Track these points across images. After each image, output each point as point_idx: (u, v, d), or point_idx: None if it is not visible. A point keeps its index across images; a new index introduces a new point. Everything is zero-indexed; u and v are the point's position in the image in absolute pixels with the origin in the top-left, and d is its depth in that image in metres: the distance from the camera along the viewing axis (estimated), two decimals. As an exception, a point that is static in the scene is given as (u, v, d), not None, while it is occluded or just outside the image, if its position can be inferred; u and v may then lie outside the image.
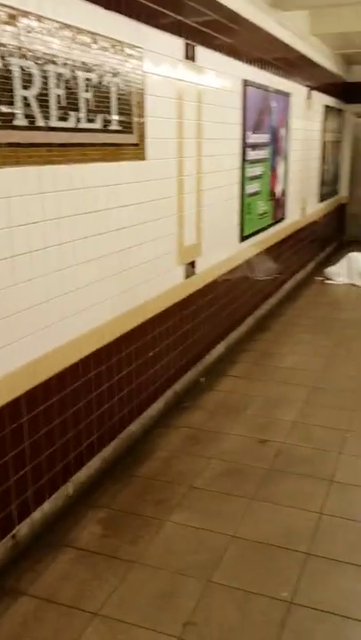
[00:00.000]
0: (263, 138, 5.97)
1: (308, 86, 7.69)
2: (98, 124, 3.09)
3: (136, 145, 3.53)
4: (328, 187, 9.83)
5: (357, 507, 3.23)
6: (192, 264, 4.57)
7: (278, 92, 6.34)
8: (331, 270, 8.49)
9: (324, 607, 2.52)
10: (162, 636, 2.38)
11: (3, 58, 2.39)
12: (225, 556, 2.84)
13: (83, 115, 2.95)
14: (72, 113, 2.86)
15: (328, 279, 8.40)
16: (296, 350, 5.75)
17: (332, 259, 9.40)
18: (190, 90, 4.20)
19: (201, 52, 4.32)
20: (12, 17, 2.42)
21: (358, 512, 3.18)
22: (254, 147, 5.71)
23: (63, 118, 2.80)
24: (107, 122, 3.17)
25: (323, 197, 9.42)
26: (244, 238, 5.73)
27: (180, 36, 3.97)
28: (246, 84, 5.29)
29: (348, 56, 9.60)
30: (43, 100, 2.64)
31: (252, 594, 2.61)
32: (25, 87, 2.53)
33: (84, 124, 2.96)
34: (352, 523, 3.08)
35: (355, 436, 4.00)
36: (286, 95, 6.68)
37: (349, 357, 5.51)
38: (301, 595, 2.59)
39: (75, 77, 2.85)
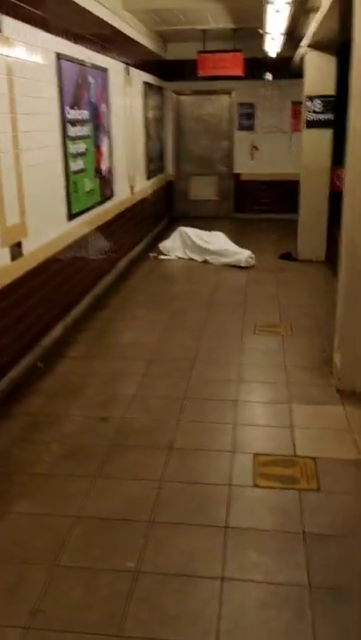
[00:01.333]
0: (83, 114, 5.87)
1: (125, 63, 7.69)
2: None
3: None
4: (155, 164, 9.98)
5: (195, 470, 3.36)
6: (18, 245, 4.40)
7: (95, 67, 6.26)
8: (163, 246, 8.67)
9: (169, 570, 2.60)
10: (7, 629, 2.31)
11: None
12: (70, 537, 2.81)
13: None
14: None
15: (161, 254, 8.57)
16: (133, 326, 5.81)
17: (164, 234, 9.59)
18: (-1, 62, 3.99)
19: (8, 22, 4.11)
20: None
21: (196, 475, 3.31)
22: (75, 123, 5.60)
23: None
24: None
25: (150, 174, 9.54)
26: (72, 217, 5.63)
27: (-18, 3, 3.74)
28: (60, 57, 5.15)
29: (164, 34, 9.74)
30: None
31: (98, 570, 2.61)
32: None
33: None
34: (191, 486, 3.20)
35: (191, 403, 4.14)
36: (104, 71, 6.62)
37: (184, 328, 5.69)
38: (147, 562, 2.65)
39: None
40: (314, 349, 5.08)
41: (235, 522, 2.91)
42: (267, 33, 7.18)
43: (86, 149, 6.00)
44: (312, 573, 2.56)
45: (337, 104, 7.29)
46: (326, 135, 7.53)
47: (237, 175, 11.37)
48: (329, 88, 7.43)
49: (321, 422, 3.88)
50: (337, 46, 7.08)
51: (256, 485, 3.18)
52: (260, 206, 11.36)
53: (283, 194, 10.89)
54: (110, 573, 2.59)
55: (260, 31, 7.33)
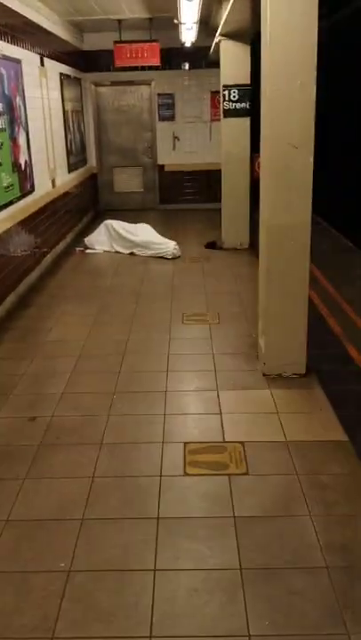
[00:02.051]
0: (-3, 107, 5.70)
1: (40, 54, 7.51)
2: None
3: None
4: (76, 157, 9.83)
5: (126, 463, 3.36)
6: None
7: (7, 58, 6.08)
8: (89, 239, 8.57)
9: (101, 566, 2.59)
10: None
11: None
12: (0, 543, 2.75)
13: None
14: None
15: (88, 248, 8.47)
16: (61, 322, 5.73)
17: (89, 228, 9.48)
18: None
19: None
20: None
21: (127, 468, 3.31)
22: (-13, 117, 5.43)
23: None
24: None
25: (72, 168, 9.39)
26: (-10, 214, 5.47)
27: None
28: (-32, 49, 4.97)
29: (79, 24, 9.57)
30: None
31: (30, 573, 2.57)
32: None
33: None
34: (123, 479, 3.20)
35: (120, 397, 4.13)
36: (17, 62, 6.44)
37: (112, 322, 5.65)
38: (79, 561, 2.63)
39: None
40: (241, 336, 5.17)
41: (166, 512, 2.93)
42: (181, 22, 7.18)
43: (1, 143, 5.83)
44: (243, 556, 2.62)
45: (254, 93, 7.38)
46: (244, 124, 7.62)
47: (161, 166, 11.35)
48: (245, 77, 7.51)
49: (248, 407, 3.96)
50: (251, 35, 7.17)
51: (186, 474, 3.21)
52: (184, 197, 11.40)
53: (206, 183, 10.97)
54: (43, 575, 2.56)
55: (175, 21, 7.33)
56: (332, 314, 5.64)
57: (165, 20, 8.30)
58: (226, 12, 6.22)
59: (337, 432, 3.61)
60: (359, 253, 8.33)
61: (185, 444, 3.50)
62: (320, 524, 2.80)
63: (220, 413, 3.86)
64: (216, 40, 7.78)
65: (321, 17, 3.76)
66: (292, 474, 3.20)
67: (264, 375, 4.36)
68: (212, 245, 8.34)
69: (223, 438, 3.56)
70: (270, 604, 2.37)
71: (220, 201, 8.22)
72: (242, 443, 3.50)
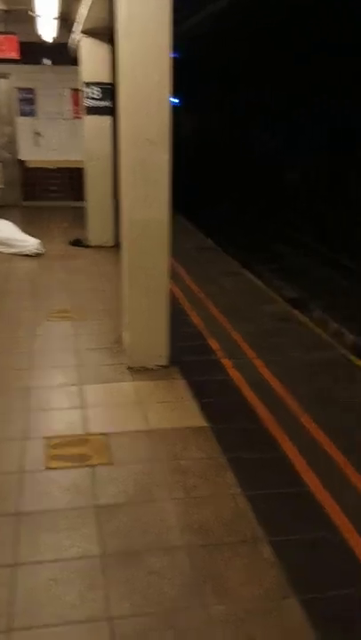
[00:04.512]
0: None
1: None
2: None
3: None
4: None
5: (-14, 462, 3.25)
6: None
7: None
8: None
9: None
10: None
11: None
12: None
13: None
14: None
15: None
16: None
17: None
18: None
19: None
20: None
21: (-13, 467, 3.20)
22: None
23: None
24: None
25: None
26: None
27: None
28: None
29: None
30: None
31: None
32: None
33: None
34: (-19, 478, 3.09)
35: (-20, 396, 3.99)
36: None
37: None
38: None
39: None
40: (106, 332, 5.18)
41: (27, 507, 2.87)
42: (37, 16, 7.04)
43: None
44: (103, 543, 2.63)
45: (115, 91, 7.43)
46: (106, 122, 7.64)
47: (23, 162, 11.06)
48: (105, 75, 7.53)
49: (112, 399, 3.98)
50: (110, 33, 7.20)
51: (48, 468, 3.17)
52: (49, 194, 11.19)
53: (71, 181, 10.85)
54: None
55: (31, 13, 7.18)
56: (193, 308, 5.83)
57: (21, 13, 8.09)
58: (85, 9, 6.21)
59: (197, 419, 3.73)
60: (219, 251, 8.68)
61: (46, 438, 3.45)
62: (180, 507, 2.89)
63: (84, 407, 3.85)
64: (75, 36, 7.73)
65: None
66: (154, 461, 3.27)
67: (128, 368, 4.40)
68: (77, 243, 8.27)
69: (86, 431, 3.55)
70: (130, 587, 2.41)
71: (85, 199, 8.18)
72: (105, 434, 3.51)
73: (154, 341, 4.41)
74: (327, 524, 2.79)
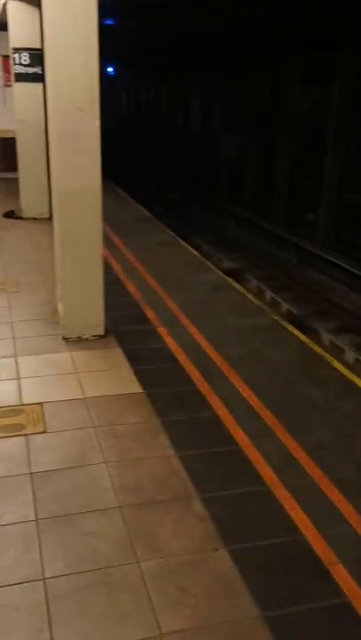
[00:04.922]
0: None
1: None
2: None
3: None
4: None
5: None
6: None
7: None
8: None
9: None
10: None
11: None
12: None
13: None
14: None
15: None
16: None
17: None
18: None
19: None
20: None
21: None
22: None
23: None
24: None
25: None
26: None
27: None
28: None
29: None
30: None
31: None
32: None
33: None
34: None
35: None
36: None
37: None
38: None
39: None
40: (41, 303, 5.14)
41: None
42: None
43: None
44: (39, 508, 2.67)
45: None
46: (37, 89, 7.45)
47: None
48: (35, 40, 7.32)
49: (48, 370, 3.98)
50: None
51: (-19, 439, 3.17)
52: (-19, 165, 10.86)
53: (5, 151, 10.54)
54: None
55: None
56: (130, 279, 5.85)
57: None
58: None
59: (133, 386, 3.79)
60: (158, 223, 8.68)
61: (-20, 410, 3.44)
62: (114, 470, 2.95)
63: (19, 378, 3.84)
64: (1, 0, 7.46)
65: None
66: (90, 427, 3.31)
67: (64, 339, 4.40)
68: (10, 215, 8.10)
69: (21, 401, 3.56)
70: (65, 548, 2.46)
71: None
72: (40, 404, 3.53)
73: (89, 311, 4.42)
74: (256, 479, 2.91)
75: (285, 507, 2.72)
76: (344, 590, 2.31)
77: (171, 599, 2.25)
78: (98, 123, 4.00)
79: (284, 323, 4.98)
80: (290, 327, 4.87)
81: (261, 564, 2.42)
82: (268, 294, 8.07)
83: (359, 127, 8.96)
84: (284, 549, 2.50)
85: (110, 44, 15.01)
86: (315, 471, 2.97)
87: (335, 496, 2.80)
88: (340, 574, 2.38)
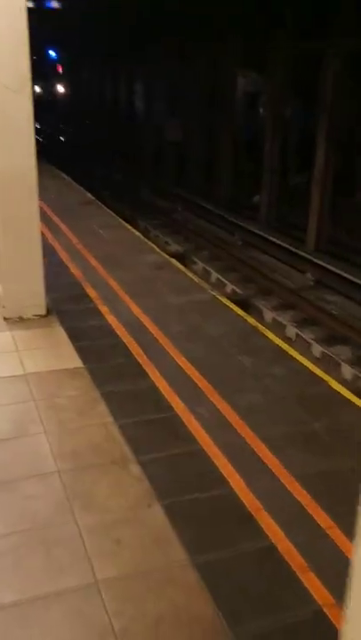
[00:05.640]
0: None
1: None
2: None
3: None
4: None
5: None
6: None
7: None
8: None
9: None
10: None
11: None
12: None
13: None
14: None
15: None
16: None
17: None
18: None
19: None
20: None
21: None
22: None
23: None
24: None
25: None
26: None
27: None
28: None
29: None
30: None
31: None
32: None
33: None
34: None
35: None
36: None
37: None
38: None
39: None
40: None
41: None
42: None
43: None
44: (-21, 476, 2.76)
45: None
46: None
47: None
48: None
49: (-11, 349, 4.04)
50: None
51: None
52: None
53: None
54: None
55: None
56: (73, 260, 5.90)
57: None
58: None
59: (74, 361, 3.88)
60: (101, 206, 8.73)
61: None
62: (54, 438, 3.05)
63: None
64: None
65: None
66: (30, 400, 3.39)
67: (5, 319, 4.44)
68: None
69: None
70: (6, 511, 2.56)
71: None
72: (-20, 381, 3.59)
73: (29, 291, 4.46)
74: (190, 440, 3.06)
75: (216, 463, 2.88)
76: (269, 535, 2.49)
77: (106, 550, 2.38)
78: (31, 104, 4.03)
79: (222, 298, 5.14)
80: (227, 302, 5.04)
81: (192, 516, 2.57)
82: (214, 275, 8.24)
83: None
84: (214, 502, 2.66)
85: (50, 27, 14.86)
86: (245, 430, 3.14)
87: (263, 452, 2.97)
88: (266, 521, 2.55)
